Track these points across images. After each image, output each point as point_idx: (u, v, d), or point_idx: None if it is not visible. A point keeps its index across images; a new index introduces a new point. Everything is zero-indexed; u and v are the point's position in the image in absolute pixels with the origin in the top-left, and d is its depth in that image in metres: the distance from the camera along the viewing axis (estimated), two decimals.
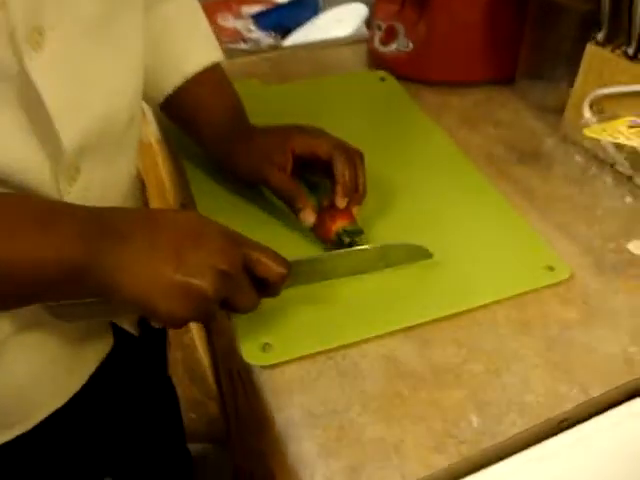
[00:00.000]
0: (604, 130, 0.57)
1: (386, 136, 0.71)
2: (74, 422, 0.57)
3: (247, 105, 0.63)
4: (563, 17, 0.69)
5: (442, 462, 0.41)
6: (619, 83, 0.62)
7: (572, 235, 0.58)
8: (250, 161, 0.57)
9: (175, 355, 1.44)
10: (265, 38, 1.23)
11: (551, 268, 0.54)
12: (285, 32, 1.22)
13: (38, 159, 0.41)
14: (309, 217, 0.53)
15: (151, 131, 0.89)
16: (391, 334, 0.49)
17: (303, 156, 0.55)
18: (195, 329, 1.47)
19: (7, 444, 0.50)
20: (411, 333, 0.49)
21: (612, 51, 0.63)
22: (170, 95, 0.60)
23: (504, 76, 0.80)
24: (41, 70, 0.39)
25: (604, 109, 0.64)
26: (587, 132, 0.56)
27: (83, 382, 0.55)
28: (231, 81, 0.64)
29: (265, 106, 0.67)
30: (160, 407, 0.88)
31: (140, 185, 0.63)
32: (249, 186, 0.60)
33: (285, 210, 0.56)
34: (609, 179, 0.57)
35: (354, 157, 0.55)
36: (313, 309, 0.49)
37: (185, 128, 0.64)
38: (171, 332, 0.88)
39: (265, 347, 0.46)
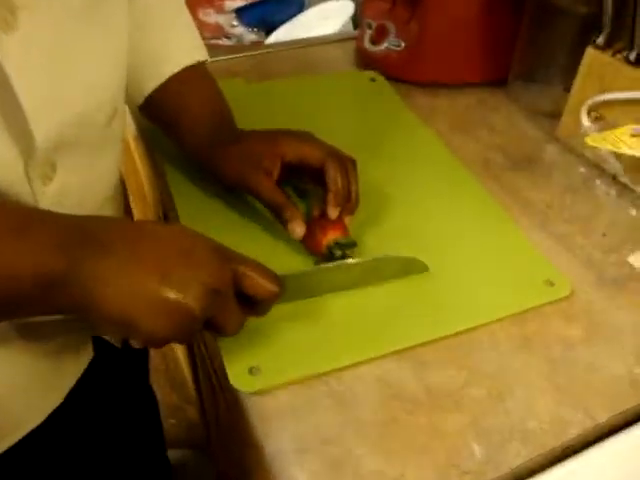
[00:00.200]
0: (605, 139, 0.55)
1: (376, 140, 0.68)
2: (52, 438, 0.53)
3: (231, 105, 0.60)
4: (561, 19, 0.67)
5: None
6: (619, 89, 0.60)
7: (571, 248, 0.56)
8: (236, 167, 0.53)
9: (155, 360, 1.40)
10: (248, 34, 1.20)
11: (551, 283, 0.52)
12: (269, 28, 1.18)
13: (9, 155, 0.37)
14: (298, 229, 0.50)
15: (128, 130, 0.85)
16: (386, 355, 0.46)
17: (292, 162, 0.52)
18: None
19: None
20: (407, 354, 0.46)
21: (612, 56, 0.60)
22: (150, 95, 0.57)
23: (497, 77, 0.78)
24: (12, 55, 0.34)
25: (603, 116, 0.62)
26: (589, 141, 0.53)
27: (62, 398, 0.52)
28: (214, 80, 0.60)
29: (249, 106, 0.64)
30: (140, 415, 0.85)
31: (121, 188, 0.59)
32: (233, 192, 0.57)
33: (271, 218, 0.53)
34: (610, 189, 0.55)
35: (346, 164, 0.52)
36: (303, 328, 0.46)
37: (166, 130, 0.60)
38: None
39: (252, 370, 0.43)
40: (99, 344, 0.55)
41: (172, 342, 0.39)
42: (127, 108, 0.72)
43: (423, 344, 0.47)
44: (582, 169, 0.56)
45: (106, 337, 0.55)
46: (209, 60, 0.60)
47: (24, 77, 0.36)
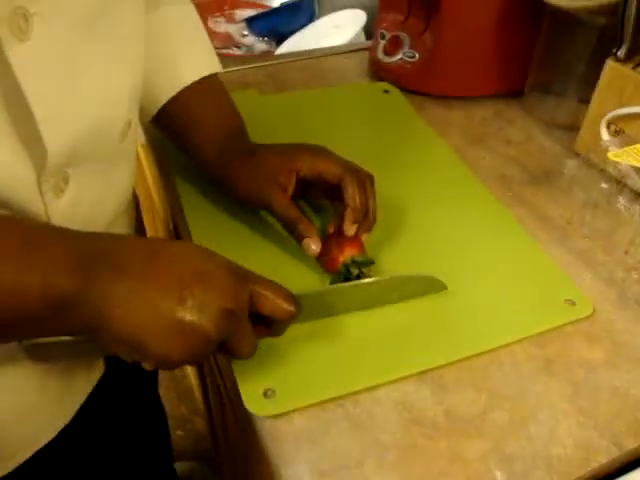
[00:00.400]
0: (627, 154, 0.54)
1: (391, 154, 0.67)
2: (61, 452, 0.52)
3: (244, 116, 0.59)
4: (579, 30, 0.65)
5: None
6: None
7: (592, 265, 0.55)
8: (249, 181, 0.52)
9: (164, 372, 1.39)
10: (258, 43, 1.19)
11: (572, 302, 0.51)
12: (280, 38, 1.18)
13: (21, 166, 0.36)
14: (314, 246, 0.49)
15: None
16: (404, 377, 0.45)
17: (308, 178, 0.51)
18: None
19: None
20: (425, 376, 0.45)
21: (634, 69, 0.59)
22: (164, 106, 0.56)
23: (513, 89, 0.76)
24: (25, 64, 0.33)
25: (623, 129, 0.61)
26: (611, 156, 0.52)
27: (73, 414, 0.50)
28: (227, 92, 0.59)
29: (262, 118, 0.63)
30: (149, 427, 0.84)
31: (134, 203, 0.58)
32: (246, 206, 0.56)
33: (285, 234, 0.52)
34: (632, 205, 0.54)
35: (365, 180, 0.51)
36: (319, 349, 0.45)
37: (177, 142, 0.59)
38: None
39: (267, 393, 0.42)
40: (110, 358, 0.53)
41: (184, 365, 0.38)
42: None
43: (442, 365, 0.45)
44: (603, 184, 0.55)
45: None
46: (222, 71, 0.59)
47: (37, 87, 0.35)
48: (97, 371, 0.53)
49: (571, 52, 0.68)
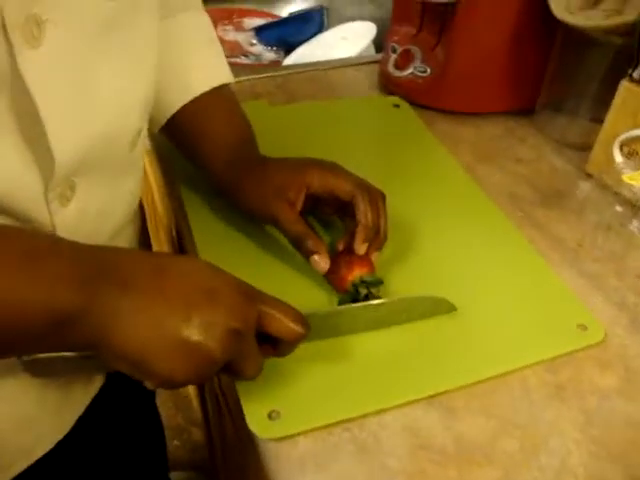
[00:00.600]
0: None
1: (400, 170, 0.66)
2: (59, 461, 0.51)
3: (253, 127, 0.58)
4: (594, 50, 0.65)
5: None
6: None
7: (604, 289, 0.54)
8: (259, 196, 0.51)
9: None
10: (267, 53, 1.18)
11: (584, 327, 0.50)
12: (288, 48, 1.17)
13: (28, 173, 0.35)
14: (323, 263, 0.48)
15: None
16: (413, 401, 0.43)
17: (318, 194, 0.50)
18: None
19: None
20: (434, 400, 0.44)
21: None
22: (174, 115, 0.55)
23: (524, 107, 0.76)
24: (36, 71, 0.33)
25: (637, 151, 0.60)
26: (626, 179, 0.51)
27: (71, 425, 0.50)
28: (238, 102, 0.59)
29: (271, 129, 0.62)
30: (145, 437, 0.83)
31: (140, 214, 0.58)
32: (253, 220, 0.55)
33: (292, 250, 0.51)
34: None
35: (377, 198, 0.50)
36: (326, 370, 0.44)
37: (185, 151, 0.58)
38: None
39: (272, 415, 0.41)
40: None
41: (187, 385, 0.37)
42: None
43: (451, 389, 0.44)
44: (617, 207, 0.54)
45: None
46: (233, 81, 0.58)
47: (47, 94, 0.34)
48: (96, 383, 0.52)
49: (585, 71, 0.67)
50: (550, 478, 0.40)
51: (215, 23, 0.59)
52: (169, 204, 0.71)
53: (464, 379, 0.45)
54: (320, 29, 1.21)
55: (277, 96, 0.79)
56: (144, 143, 0.50)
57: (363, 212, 0.48)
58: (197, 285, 0.36)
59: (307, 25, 1.19)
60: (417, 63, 0.75)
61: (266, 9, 1.26)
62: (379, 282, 0.48)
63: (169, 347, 0.34)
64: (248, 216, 0.54)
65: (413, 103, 0.77)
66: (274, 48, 1.19)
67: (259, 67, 1.12)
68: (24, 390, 0.43)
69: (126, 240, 0.52)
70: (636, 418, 0.44)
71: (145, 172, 0.94)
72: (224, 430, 0.74)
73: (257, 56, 1.18)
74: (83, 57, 0.37)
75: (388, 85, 0.80)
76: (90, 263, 0.34)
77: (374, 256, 0.49)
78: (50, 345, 0.34)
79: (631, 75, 0.59)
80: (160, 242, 1.00)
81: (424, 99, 0.75)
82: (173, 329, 0.34)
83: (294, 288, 0.50)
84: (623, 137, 0.61)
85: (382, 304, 0.46)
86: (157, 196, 0.91)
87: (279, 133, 0.66)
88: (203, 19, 0.57)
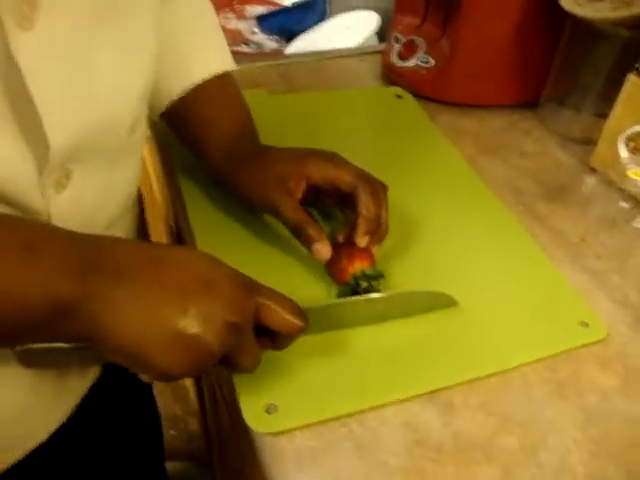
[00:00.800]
0: None
1: (402, 162, 0.65)
2: (54, 451, 0.50)
3: (252, 115, 0.57)
4: (602, 42, 0.64)
5: None
6: None
7: (606, 286, 0.53)
8: (258, 185, 0.50)
9: None
10: (268, 42, 1.17)
11: (585, 324, 0.49)
12: (290, 36, 1.16)
13: (22, 159, 0.34)
14: (324, 250, 0.46)
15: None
16: (412, 397, 0.43)
17: (319, 185, 0.49)
18: None
19: None
20: (433, 396, 0.43)
21: None
22: (174, 102, 0.54)
23: (528, 100, 0.75)
24: (29, 54, 0.32)
25: None
26: (631, 174, 0.51)
27: (67, 415, 0.49)
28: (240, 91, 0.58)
29: (271, 119, 0.61)
30: (142, 427, 0.83)
31: (138, 202, 0.57)
32: (252, 210, 0.54)
33: (292, 241, 0.50)
34: None
35: (378, 190, 0.49)
36: (324, 364, 0.43)
37: (185, 140, 0.58)
38: None
39: (269, 409, 0.40)
40: None
41: (184, 378, 0.36)
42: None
43: (450, 385, 0.44)
44: (621, 202, 0.53)
45: None
46: (235, 69, 0.57)
47: (40, 78, 0.33)
48: (93, 373, 0.52)
49: (591, 64, 0.67)
50: (549, 476, 0.40)
51: (217, 11, 0.58)
52: (168, 194, 0.70)
53: (464, 375, 0.44)
54: (322, 18, 1.20)
55: (277, 85, 0.78)
56: (143, 130, 0.49)
57: (364, 204, 0.47)
58: (194, 275, 0.35)
59: (309, 14, 1.18)
60: (421, 54, 0.73)
61: None
62: (380, 275, 0.47)
63: (166, 340, 0.33)
64: (247, 206, 0.54)
65: (416, 94, 0.76)
66: (276, 37, 1.17)
67: (260, 56, 1.10)
68: (18, 379, 0.43)
69: (123, 230, 0.52)
70: (636, 417, 0.44)
71: (144, 162, 0.93)
72: (220, 422, 0.74)
73: (259, 45, 1.16)
74: (79, 40, 0.35)
75: (391, 76, 0.79)
76: (86, 253, 0.33)
77: (375, 248, 0.49)
78: (46, 335, 0.34)
79: (638, 69, 0.59)
80: (159, 233, 0.99)
81: (427, 90, 0.74)
82: (169, 320, 0.33)
83: (293, 279, 0.49)
84: (629, 132, 0.60)
85: (382, 298, 0.45)
86: (156, 186, 0.90)
87: (278, 122, 0.65)
88: (206, 5, 0.56)
